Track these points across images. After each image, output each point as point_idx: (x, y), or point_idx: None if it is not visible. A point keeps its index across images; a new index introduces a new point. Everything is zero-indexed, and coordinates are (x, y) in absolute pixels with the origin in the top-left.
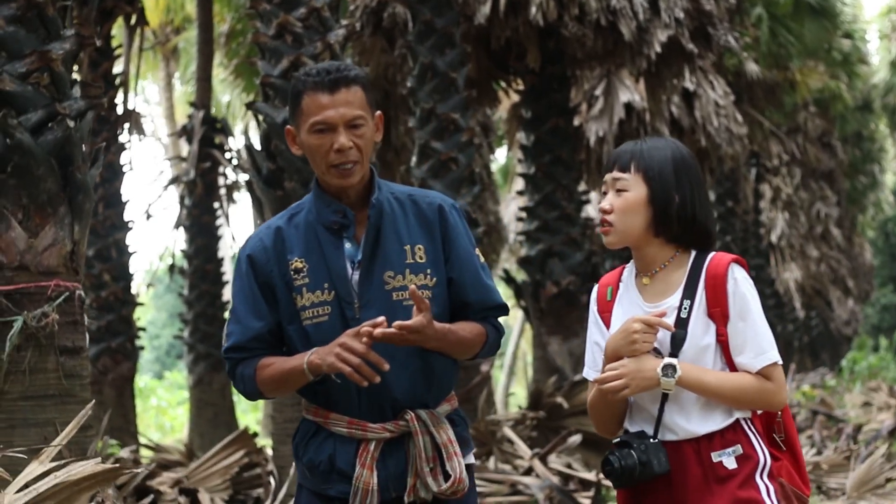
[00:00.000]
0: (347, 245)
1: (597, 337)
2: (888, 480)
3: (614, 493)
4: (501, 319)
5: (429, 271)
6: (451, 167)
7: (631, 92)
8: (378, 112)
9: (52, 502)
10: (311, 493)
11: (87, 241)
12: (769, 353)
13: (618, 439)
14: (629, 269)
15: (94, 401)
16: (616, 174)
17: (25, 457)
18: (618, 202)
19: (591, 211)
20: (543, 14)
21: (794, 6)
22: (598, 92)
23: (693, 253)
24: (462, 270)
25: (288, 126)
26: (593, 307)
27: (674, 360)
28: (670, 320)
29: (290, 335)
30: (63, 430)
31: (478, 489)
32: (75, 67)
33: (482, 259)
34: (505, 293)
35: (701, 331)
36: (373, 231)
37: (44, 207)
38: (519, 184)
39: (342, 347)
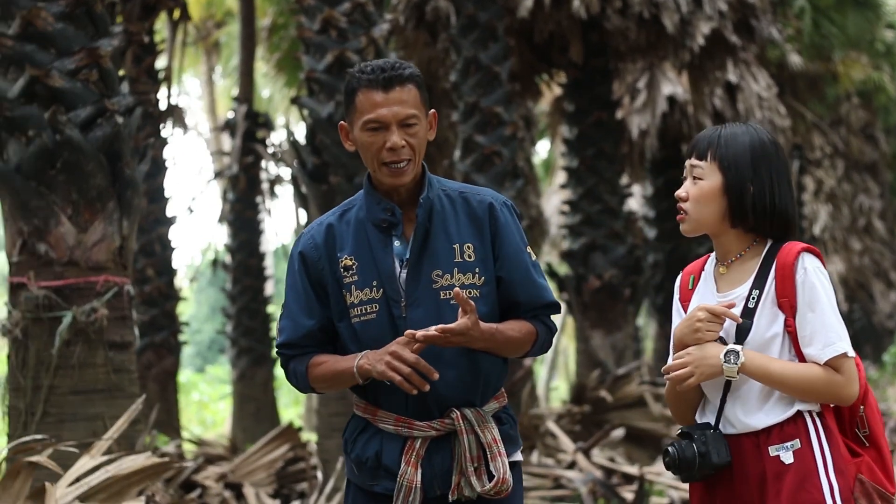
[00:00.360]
0: (396, 243)
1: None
2: None
3: (657, 486)
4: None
5: (477, 270)
6: (495, 161)
7: (674, 85)
8: (432, 110)
9: (104, 495)
10: (357, 488)
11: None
12: (837, 344)
13: (680, 430)
14: (712, 258)
15: (143, 395)
16: (693, 161)
17: (76, 450)
18: (693, 190)
19: (633, 204)
20: (586, 7)
21: None
22: (640, 85)
23: (769, 242)
24: (512, 269)
25: (341, 122)
26: (676, 295)
27: (737, 347)
28: (738, 310)
29: (340, 332)
30: (111, 424)
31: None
32: (122, 64)
33: (534, 257)
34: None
35: (768, 321)
36: (421, 230)
37: (93, 203)
38: (561, 177)
39: (392, 356)
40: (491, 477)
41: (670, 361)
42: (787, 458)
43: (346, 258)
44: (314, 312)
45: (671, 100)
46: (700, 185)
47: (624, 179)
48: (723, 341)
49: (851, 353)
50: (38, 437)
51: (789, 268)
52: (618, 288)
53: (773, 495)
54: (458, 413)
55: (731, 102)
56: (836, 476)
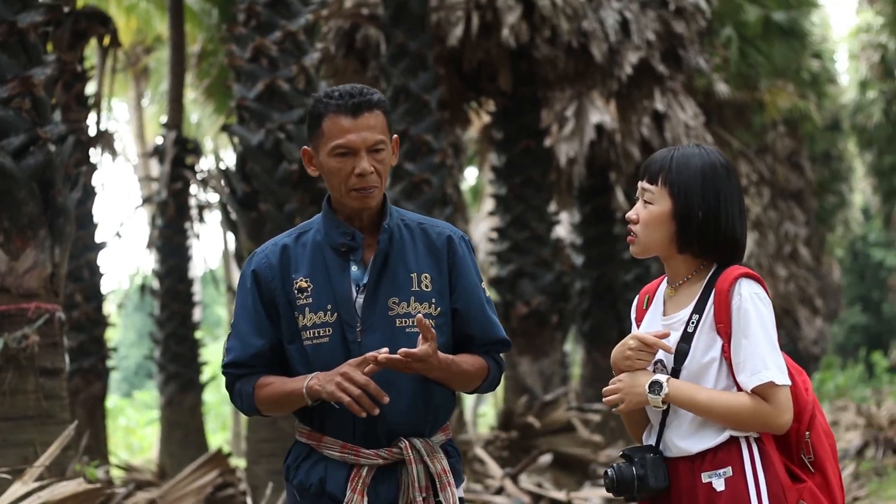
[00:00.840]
0: (354, 268)
1: None
2: (855, 499)
3: None
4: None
5: (433, 300)
6: (424, 189)
7: (602, 113)
8: (395, 136)
9: None
10: None
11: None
12: (763, 372)
13: (622, 452)
14: (665, 280)
15: (76, 422)
16: (645, 185)
17: (8, 476)
18: (643, 214)
19: (561, 231)
20: (515, 36)
21: (764, 27)
22: (568, 113)
23: (714, 266)
24: (468, 303)
25: (304, 147)
26: (632, 314)
27: (662, 378)
28: (678, 333)
29: (290, 354)
30: (42, 450)
31: None
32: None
33: (488, 293)
34: None
35: (705, 346)
36: (381, 256)
37: (25, 231)
38: (490, 204)
39: (343, 377)
40: None
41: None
42: (719, 484)
43: (300, 280)
44: (264, 332)
45: (599, 128)
46: (650, 209)
47: (552, 207)
48: (663, 364)
49: (781, 381)
50: None
51: (725, 294)
52: (545, 314)
53: None
54: (407, 442)
55: (658, 131)
56: (770, 502)
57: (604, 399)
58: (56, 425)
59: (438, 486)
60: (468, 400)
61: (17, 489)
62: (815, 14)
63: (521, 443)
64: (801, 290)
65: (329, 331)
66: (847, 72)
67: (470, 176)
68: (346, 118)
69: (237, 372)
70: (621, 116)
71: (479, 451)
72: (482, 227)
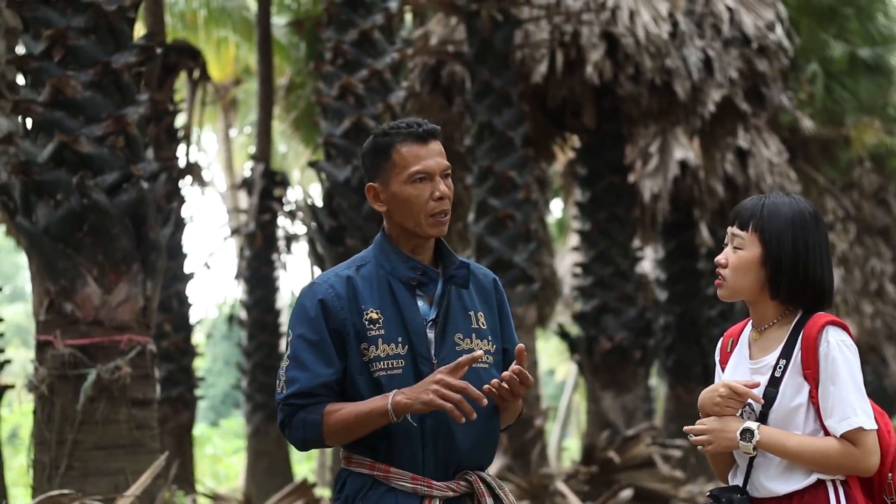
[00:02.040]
0: (421, 303)
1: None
2: None
3: None
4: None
5: (489, 338)
6: (508, 224)
7: (685, 150)
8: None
9: None
10: None
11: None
12: (852, 418)
13: (710, 492)
14: (749, 323)
15: (166, 452)
16: (735, 230)
17: (101, 503)
18: (733, 259)
19: (645, 267)
20: (599, 74)
21: (849, 63)
22: (652, 150)
23: (800, 312)
24: (513, 342)
25: (370, 184)
26: (717, 357)
27: (753, 425)
28: (765, 377)
29: (357, 385)
30: (133, 478)
31: None
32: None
33: None
34: (559, 347)
35: (793, 391)
36: (451, 292)
37: (118, 265)
38: (574, 239)
39: (440, 384)
40: None
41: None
42: None
43: (371, 311)
44: (332, 362)
45: (683, 164)
46: (740, 254)
47: (636, 242)
48: (751, 408)
49: (869, 426)
50: (66, 491)
51: (813, 340)
52: (628, 350)
53: None
54: (476, 476)
55: (742, 167)
56: None
57: (691, 438)
58: (147, 454)
59: None
60: (553, 435)
61: None
62: None
63: (602, 477)
64: (887, 326)
65: (402, 363)
66: None
67: (556, 208)
68: (419, 146)
69: (302, 402)
70: (705, 153)
71: (561, 485)
72: (567, 261)
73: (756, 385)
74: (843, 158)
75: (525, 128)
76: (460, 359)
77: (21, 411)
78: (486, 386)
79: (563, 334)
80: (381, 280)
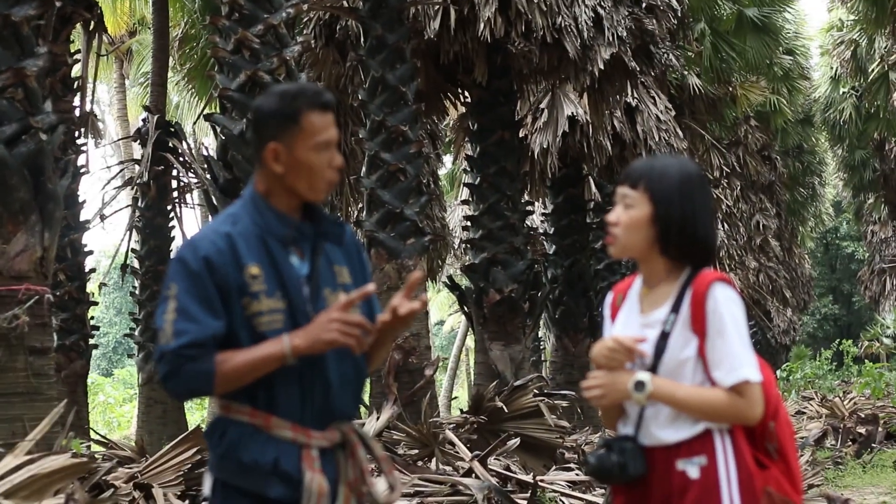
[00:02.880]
0: (294, 259)
1: (607, 336)
2: (810, 486)
3: (549, 494)
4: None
5: (352, 293)
6: (400, 178)
7: (575, 106)
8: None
9: (26, 493)
10: (241, 492)
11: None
12: (739, 370)
13: (603, 440)
14: (639, 279)
15: (65, 399)
16: (626, 190)
17: (1, 450)
18: (623, 217)
19: (534, 220)
20: (491, 30)
21: (737, 22)
22: (542, 105)
23: (688, 269)
24: (372, 300)
25: (273, 144)
26: (606, 311)
27: (644, 377)
28: (655, 331)
29: (240, 339)
30: (31, 426)
31: (419, 489)
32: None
33: None
34: (449, 299)
35: (681, 345)
36: (320, 247)
37: (16, 215)
38: (465, 192)
39: (339, 322)
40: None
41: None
42: (693, 472)
43: (252, 266)
44: (220, 315)
45: (572, 120)
46: (630, 213)
47: (525, 196)
48: (642, 360)
49: (755, 378)
50: None
51: (701, 296)
52: (517, 301)
53: None
54: (349, 427)
55: (630, 124)
56: (740, 490)
57: (584, 393)
58: (44, 402)
59: (385, 469)
60: (442, 385)
61: (8, 462)
62: (788, 10)
63: (490, 426)
64: (771, 281)
65: (281, 317)
66: (819, 67)
67: (447, 162)
68: (324, 115)
69: (192, 353)
70: (594, 109)
71: (450, 434)
72: (458, 213)
73: (643, 340)
74: (729, 116)
75: (417, 83)
76: (351, 294)
77: None
78: (365, 292)
79: (452, 286)
80: (256, 237)
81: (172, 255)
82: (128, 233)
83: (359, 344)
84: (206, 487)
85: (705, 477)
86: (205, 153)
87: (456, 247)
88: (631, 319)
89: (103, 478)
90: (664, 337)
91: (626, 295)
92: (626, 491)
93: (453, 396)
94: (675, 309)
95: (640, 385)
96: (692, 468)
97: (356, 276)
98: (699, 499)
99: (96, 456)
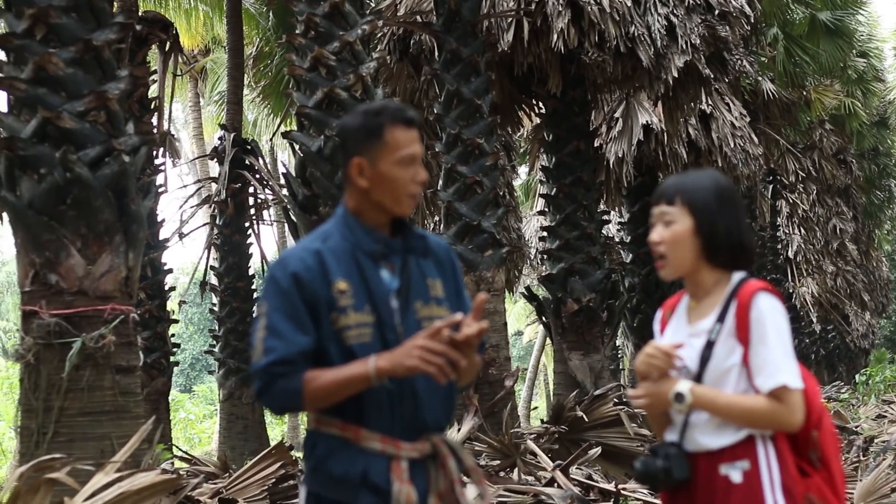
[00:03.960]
0: (384, 273)
1: None
2: (893, 490)
3: (632, 502)
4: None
5: (446, 306)
6: (477, 190)
7: (649, 114)
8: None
9: None
10: (331, 503)
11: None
12: (777, 376)
13: (649, 447)
14: (686, 296)
15: (153, 417)
16: (663, 207)
17: (91, 468)
18: (667, 234)
19: (611, 230)
20: (564, 41)
21: (810, 26)
22: (617, 115)
23: (734, 277)
24: (466, 308)
25: (358, 158)
26: (656, 326)
27: (683, 389)
28: (701, 340)
29: (329, 353)
30: (118, 443)
31: (502, 499)
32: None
33: None
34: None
35: (725, 353)
36: (411, 262)
37: (101, 237)
38: (540, 203)
39: (423, 349)
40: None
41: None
42: (736, 477)
43: (340, 281)
44: (308, 331)
45: (647, 129)
46: (672, 228)
47: (601, 206)
48: (689, 369)
49: (794, 384)
50: (57, 455)
51: (745, 305)
52: (595, 311)
53: None
54: (440, 438)
55: (705, 132)
56: (783, 495)
57: (631, 402)
58: (131, 420)
59: (475, 480)
60: (521, 393)
61: (98, 480)
62: (860, 13)
63: (571, 436)
64: (849, 284)
65: (369, 331)
66: (893, 69)
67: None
68: (408, 130)
69: (281, 370)
70: (668, 117)
71: (531, 444)
72: (534, 223)
73: (681, 346)
74: (804, 120)
75: (492, 95)
76: (438, 324)
77: None
78: (453, 320)
79: (530, 297)
80: (346, 252)
81: (251, 271)
82: (206, 250)
83: (441, 373)
84: (301, 500)
85: (748, 481)
86: (283, 170)
87: (532, 257)
88: (679, 331)
89: (189, 493)
90: (709, 346)
91: (674, 310)
92: (672, 495)
93: (532, 407)
94: (721, 319)
95: (679, 397)
96: (735, 473)
97: (449, 290)
98: (743, 502)
99: (181, 472)
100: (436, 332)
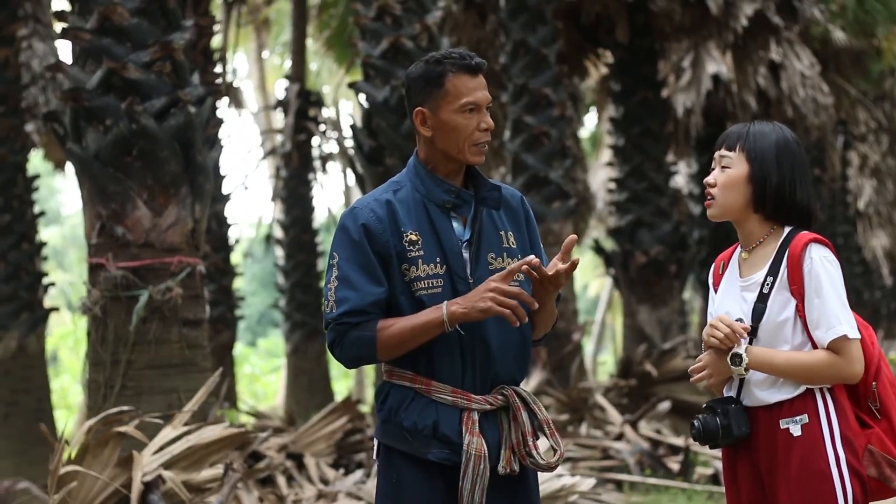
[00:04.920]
0: (456, 224)
1: (710, 308)
2: None
3: (702, 457)
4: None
5: (519, 256)
6: (544, 141)
7: (718, 64)
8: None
9: (186, 463)
10: (404, 455)
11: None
12: (837, 327)
13: (706, 404)
14: (739, 247)
15: (220, 369)
16: (723, 152)
17: (159, 421)
18: (721, 178)
19: (679, 181)
20: None
21: None
22: (685, 64)
23: (786, 230)
24: (541, 258)
25: (420, 108)
26: (710, 280)
27: (740, 350)
28: (754, 294)
29: (400, 305)
30: (186, 397)
31: (571, 453)
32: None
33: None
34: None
35: (779, 306)
36: (482, 213)
37: (167, 188)
38: (608, 154)
39: (496, 292)
40: (550, 452)
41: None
42: (796, 430)
43: (411, 233)
44: (381, 281)
45: (715, 79)
46: (728, 172)
47: (669, 157)
48: (742, 322)
49: (853, 335)
50: (125, 408)
51: (798, 257)
52: (664, 264)
53: (783, 464)
54: (512, 390)
55: (774, 81)
56: (844, 446)
57: (692, 377)
58: (198, 373)
59: (548, 432)
60: (588, 348)
61: (166, 433)
62: None
63: (640, 390)
64: None
65: (441, 282)
66: None
67: (589, 123)
68: (470, 77)
69: (354, 320)
70: (737, 67)
71: (600, 399)
72: (601, 175)
73: (748, 329)
74: (875, 69)
75: (559, 45)
76: (512, 265)
77: (59, 334)
78: (528, 261)
79: (598, 249)
80: (417, 203)
81: (315, 224)
82: (272, 203)
83: (516, 315)
84: (374, 452)
85: (808, 434)
86: (350, 122)
87: (600, 209)
88: (731, 285)
89: (256, 448)
90: (762, 299)
91: (727, 263)
92: (733, 452)
93: (599, 362)
94: (773, 271)
95: (736, 358)
96: (795, 426)
97: (522, 242)
98: (804, 456)
99: (247, 426)
100: (509, 274)
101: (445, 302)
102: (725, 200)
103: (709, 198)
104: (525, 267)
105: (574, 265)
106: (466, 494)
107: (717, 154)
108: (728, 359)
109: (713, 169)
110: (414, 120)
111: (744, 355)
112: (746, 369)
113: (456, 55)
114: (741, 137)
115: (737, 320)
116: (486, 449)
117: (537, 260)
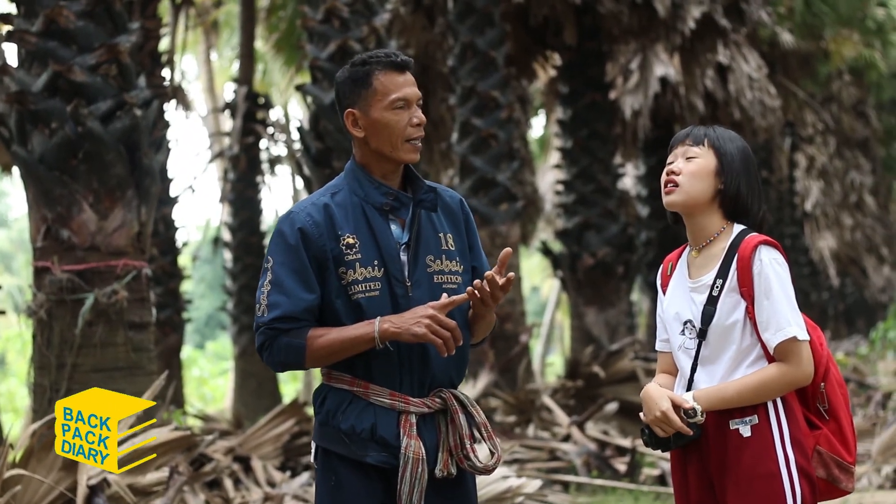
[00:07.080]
0: (394, 227)
1: (659, 309)
2: None
3: (648, 458)
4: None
5: (457, 259)
6: (492, 143)
7: (665, 66)
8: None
9: (131, 466)
10: (342, 458)
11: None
12: (787, 329)
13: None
14: (687, 248)
15: (166, 372)
16: (688, 146)
17: None
18: (689, 166)
19: (627, 184)
20: None
21: None
22: (633, 67)
23: (735, 230)
24: (480, 261)
25: (350, 109)
26: (658, 281)
27: (691, 403)
28: (703, 297)
29: (336, 309)
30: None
31: (518, 455)
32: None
33: None
34: (542, 264)
35: (729, 308)
36: (420, 215)
37: (113, 191)
38: (556, 157)
39: (433, 320)
40: (488, 455)
41: (661, 345)
42: (745, 431)
43: (348, 236)
44: (313, 287)
45: (663, 81)
46: (696, 162)
47: (617, 159)
48: (692, 325)
49: (802, 336)
50: None
51: (747, 259)
52: (611, 266)
53: (733, 465)
54: (450, 393)
55: (722, 83)
56: (793, 448)
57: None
58: (144, 376)
59: (485, 435)
60: (536, 349)
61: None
62: None
63: (587, 392)
64: (867, 238)
65: (378, 285)
66: None
67: (537, 125)
68: (398, 74)
69: (285, 326)
70: (685, 69)
71: (547, 400)
72: (549, 177)
73: (692, 408)
74: (823, 72)
75: (507, 47)
76: (452, 298)
77: (6, 337)
78: (468, 289)
79: (545, 251)
80: (355, 206)
81: (263, 226)
82: (220, 206)
83: (446, 347)
84: (312, 455)
85: (758, 435)
86: (297, 124)
87: (548, 211)
88: (680, 285)
89: (203, 451)
90: (712, 302)
91: (675, 264)
92: (683, 453)
93: (548, 363)
94: (722, 274)
95: (691, 412)
96: (745, 428)
97: (461, 244)
98: (754, 457)
99: (193, 429)
100: (449, 304)
101: (378, 318)
102: (692, 188)
103: (671, 185)
104: (469, 289)
105: (510, 281)
106: (405, 497)
107: (678, 149)
108: (683, 415)
109: (671, 163)
110: (346, 122)
111: (697, 408)
112: (703, 415)
113: (381, 54)
114: (707, 135)
115: (686, 321)
116: (423, 452)
117: (464, 298)
